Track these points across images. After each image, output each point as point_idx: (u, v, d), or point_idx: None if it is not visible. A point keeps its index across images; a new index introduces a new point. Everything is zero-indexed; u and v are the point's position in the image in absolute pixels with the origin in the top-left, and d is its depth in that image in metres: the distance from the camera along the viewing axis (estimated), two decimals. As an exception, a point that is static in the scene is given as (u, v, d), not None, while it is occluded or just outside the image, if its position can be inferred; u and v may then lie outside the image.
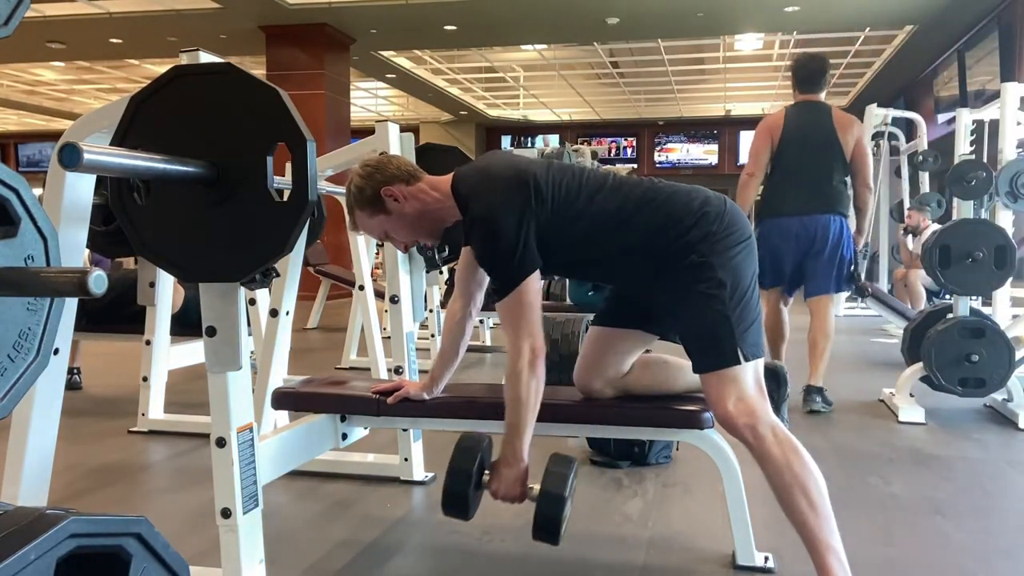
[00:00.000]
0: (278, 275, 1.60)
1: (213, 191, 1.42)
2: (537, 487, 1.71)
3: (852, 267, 3.68)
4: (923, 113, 8.83)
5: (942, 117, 10.25)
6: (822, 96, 3.78)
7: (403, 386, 2.10)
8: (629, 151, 17.11)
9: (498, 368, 4.90)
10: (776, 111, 3.99)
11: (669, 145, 16.99)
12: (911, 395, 3.70)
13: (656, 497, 2.54)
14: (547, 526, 1.68)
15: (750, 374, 1.70)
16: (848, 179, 3.70)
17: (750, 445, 1.69)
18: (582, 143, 13.34)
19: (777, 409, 1.90)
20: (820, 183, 3.64)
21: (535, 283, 1.73)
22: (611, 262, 1.84)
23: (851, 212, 3.80)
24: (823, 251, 3.65)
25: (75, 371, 4.30)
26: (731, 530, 1.99)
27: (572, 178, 1.79)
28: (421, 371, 2.52)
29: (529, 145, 16.41)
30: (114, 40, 10.21)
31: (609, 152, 16.84)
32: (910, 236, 7.20)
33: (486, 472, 1.78)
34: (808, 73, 3.75)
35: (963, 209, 3.78)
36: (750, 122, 16.23)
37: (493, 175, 1.77)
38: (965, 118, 4.40)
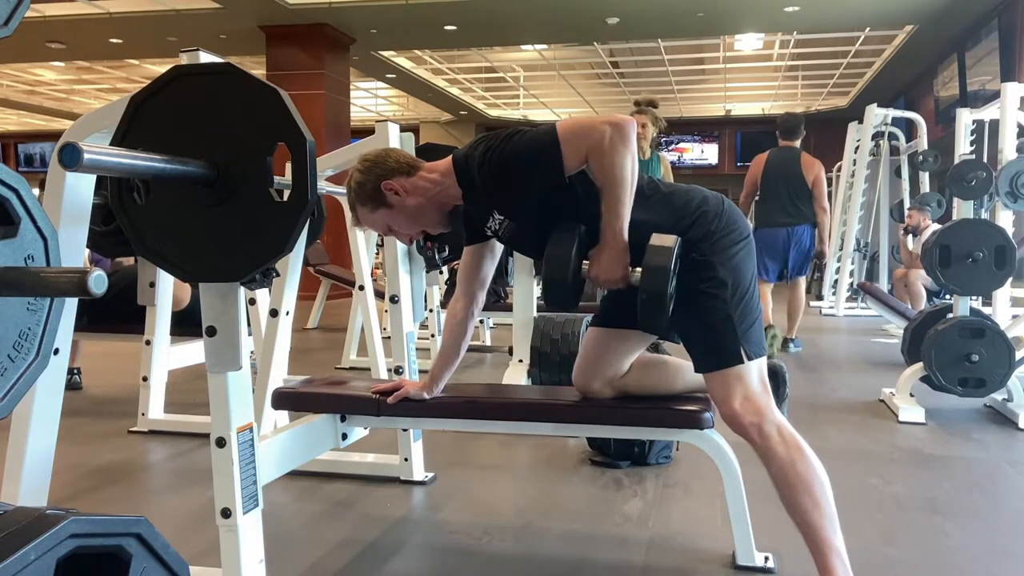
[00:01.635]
0: (278, 275, 1.60)
1: (213, 191, 1.42)
2: (639, 271, 1.65)
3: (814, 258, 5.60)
4: (923, 113, 8.84)
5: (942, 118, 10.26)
6: (797, 143, 5.43)
7: (403, 386, 2.10)
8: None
9: (498, 368, 4.90)
10: (762, 154, 5.54)
11: (682, 145, 16.97)
12: (911, 395, 3.70)
13: (656, 497, 2.54)
14: (653, 303, 1.60)
15: (754, 373, 1.70)
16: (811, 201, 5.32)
17: (755, 444, 1.69)
18: None
19: (778, 407, 1.90)
20: (796, 204, 5.28)
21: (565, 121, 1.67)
22: None
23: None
24: (802, 248, 5.34)
25: (75, 371, 4.30)
26: (731, 530, 1.99)
27: (573, 176, 1.78)
28: (421, 371, 2.52)
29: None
30: (114, 40, 10.21)
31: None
32: (910, 236, 7.21)
33: (585, 262, 1.72)
34: (788, 127, 5.46)
35: (963, 209, 3.78)
36: (750, 122, 16.34)
37: (500, 134, 1.75)
38: (965, 118, 4.40)
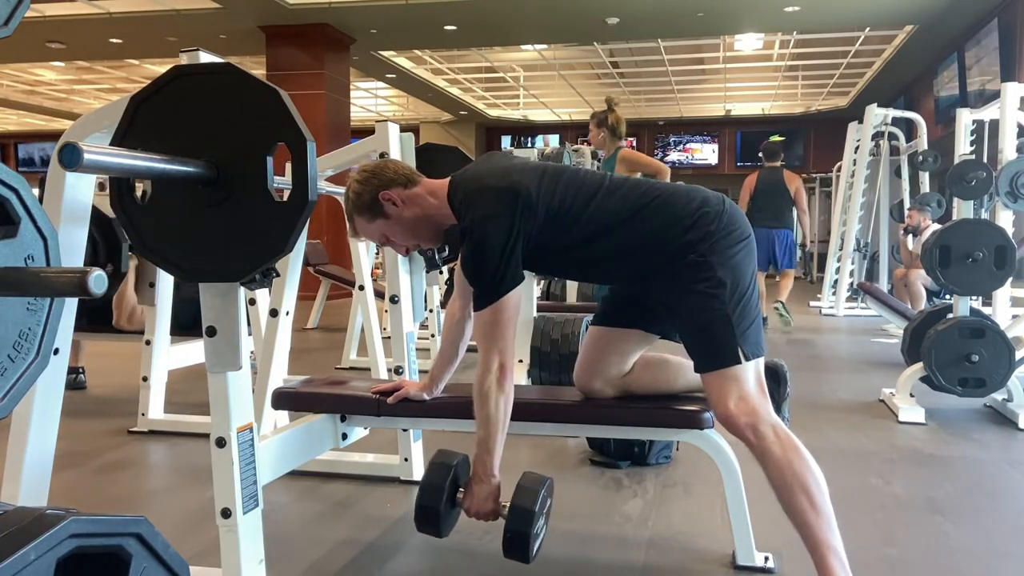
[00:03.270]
0: (278, 275, 1.60)
1: (213, 191, 1.42)
2: (508, 505, 1.70)
3: (797, 254, 7.36)
4: (923, 113, 8.83)
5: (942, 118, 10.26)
6: (779, 164, 7.09)
7: (403, 386, 2.10)
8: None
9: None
10: (753, 173, 7.17)
11: (691, 145, 16.96)
12: (911, 395, 3.70)
13: (656, 497, 2.54)
14: (516, 542, 1.66)
15: (751, 373, 1.70)
16: (794, 208, 6.96)
17: (751, 444, 1.69)
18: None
19: (778, 408, 1.90)
20: (782, 211, 6.89)
21: (514, 300, 1.73)
22: (610, 263, 1.83)
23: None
24: (785, 247, 6.90)
25: (79, 371, 4.30)
26: (731, 530, 1.99)
27: (567, 184, 1.78)
28: (421, 371, 2.52)
29: (529, 145, 16.38)
30: (114, 40, 10.20)
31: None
32: (910, 236, 7.20)
33: (461, 490, 1.77)
34: (770, 152, 7.12)
35: (963, 209, 3.78)
36: (750, 122, 16.34)
37: (485, 187, 1.76)
38: (965, 118, 4.40)
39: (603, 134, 4.53)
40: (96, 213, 2.01)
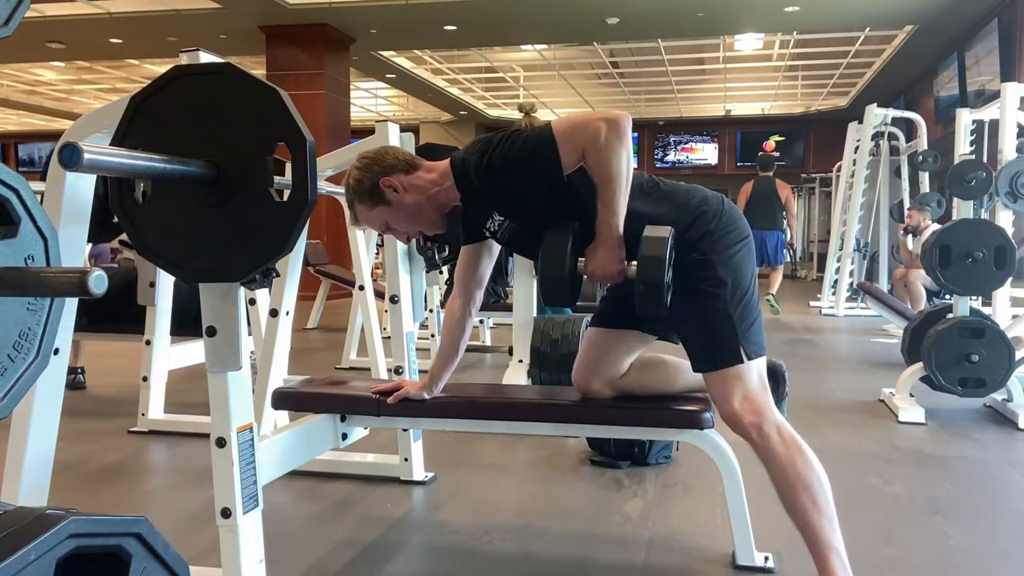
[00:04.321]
0: (278, 275, 1.60)
1: (213, 191, 1.41)
2: (634, 264, 1.65)
3: (785, 252, 8.41)
4: (923, 113, 8.83)
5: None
6: (771, 174, 8.00)
7: (403, 386, 2.10)
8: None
9: (498, 368, 4.90)
10: (749, 182, 8.10)
11: (691, 145, 16.95)
12: (911, 395, 3.70)
13: (656, 497, 2.54)
14: (651, 292, 1.60)
15: (754, 372, 1.70)
16: (783, 213, 7.98)
17: (755, 443, 1.69)
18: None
19: (778, 407, 1.90)
20: (773, 215, 7.85)
21: (561, 120, 1.68)
22: None
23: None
24: (776, 246, 7.87)
25: (79, 371, 4.30)
26: (731, 530, 1.99)
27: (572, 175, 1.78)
28: (421, 371, 2.52)
29: None
30: (114, 40, 10.20)
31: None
32: (910, 236, 7.20)
33: (581, 259, 1.72)
34: (765, 163, 8.12)
35: (963, 209, 3.78)
36: (750, 122, 16.32)
37: (504, 135, 1.75)
38: (965, 118, 4.40)
39: None
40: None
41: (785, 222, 8.14)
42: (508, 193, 1.75)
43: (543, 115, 16.15)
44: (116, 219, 3.58)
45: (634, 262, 1.65)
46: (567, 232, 1.69)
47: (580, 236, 1.71)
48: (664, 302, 1.62)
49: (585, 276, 1.73)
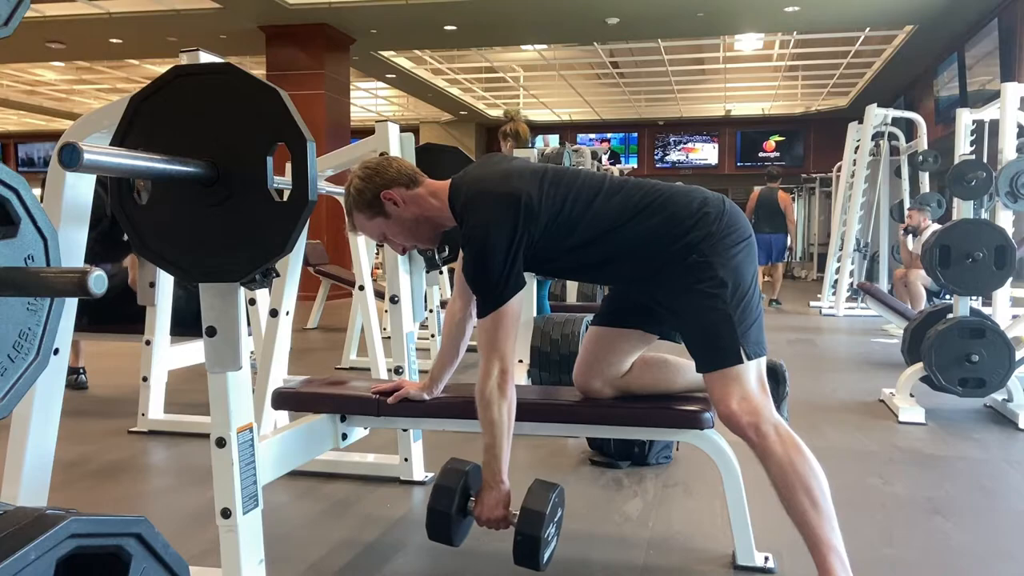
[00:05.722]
0: (278, 275, 1.60)
1: (213, 191, 1.41)
2: (517, 514, 1.70)
3: (786, 252, 9.33)
4: (923, 113, 8.83)
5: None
6: (776, 184, 9.16)
7: (403, 386, 2.10)
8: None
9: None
10: (756, 190, 9.45)
11: (691, 145, 16.95)
12: (911, 395, 3.70)
13: (656, 497, 2.54)
14: (526, 547, 1.65)
15: (753, 373, 1.70)
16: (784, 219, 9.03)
17: (753, 443, 1.69)
18: (602, 143, 14.90)
19: (777, 407, 1.90)
20: (775, 221, 8.92)
21: (515, 306, 1.74)
22: (612, 264, 1.83)
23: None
24: (779, 246, 8.96)
25: (80, 371, 4.30)
26: (731, 530, 1.99)
27: (568, 187, 1.78)
28: (421, 371, 2.52)
29: (529, 145, 16.35)
30: (114, 40, 10.20)
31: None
32: (910, 236, 7.20)
33: (472, 499, 1.77)
34: (771, 175, 9.29)
35: (963, 209, 3.78)
36: (750, 122, 16.33)
37: (487, 191, 1.76)
38: (965, 118, 4.40)
39: (510, 143, 4.69)
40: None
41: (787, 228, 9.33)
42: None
43: (543, 115, 16.20)
44: (125, 238, 3.57)
45: (516, 512, 1.70)
46: (460, 474, 1.76)
47: (475, 476, 1.79)
48: (539, 559, 1.66)
49: (472, 517, 1.78)
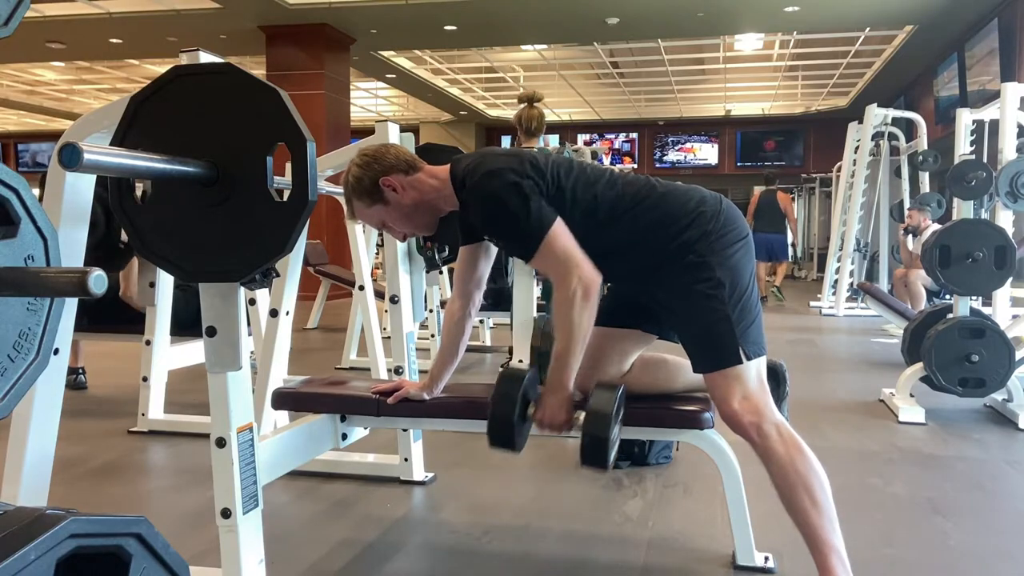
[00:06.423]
0: (278, 275, 1.60)
1: (213, 191, 1.41)
2: (583, 415, 1.68)
3: (789, 249, 9.94)
4: (923, 113, 8.83)
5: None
6: (775, 186, 9.64)
7: (403, 386, 2.10)
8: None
9: (498, 369, 4.90)
10: (757, 192, 9.91)
11: (691, 145, 16.96)
12: (911, 395, 3.70)
13: (656, 497, 2.54)
14: (594, 447, 1.63)
15: (753, 372, 1.70)
16: (786, 220, 9.49)
17: (754, 443, 1.69)
18: (602, 143, 15.23)
19: (778, 407, 1.90)
20: (776, 221, 9.35)
21: (561, 228, 1.69)
22: (610, 258, 1.82)
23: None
24: (781, 245, 9.43)
25: (80, 371, 4.30)
26: (731, 530, 1.99)
27: (570, 168, 1.80)
28: (421, 371, 2.52)
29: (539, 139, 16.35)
30: (114, 40, 10.20)
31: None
32: (910, 236, 7.20)
33: (531, 405, 1.75)
34: (770, 179, 9.84)
35: (963, 209, 3.78)
36: (750, 122, 16.32)
37: (490, 153, 1.80)
38: (965, 118, 4.40)
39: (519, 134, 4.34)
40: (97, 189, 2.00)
41: (788, 227, 9.74)
42: (487, 230, 1.84)
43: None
44: (122, 246, 3.57)
45: (582, 413, 1.69)
46: (521, 375, 1.74)
47: (534, 380, 1.77)
48: (607, 459, 1.66)
49: (534, 423, 1.76)
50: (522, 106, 4.07)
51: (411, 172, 1.83)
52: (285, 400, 2.24)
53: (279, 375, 2.78)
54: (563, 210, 1.73)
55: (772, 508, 1.78)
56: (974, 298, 4.10)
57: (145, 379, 3.42)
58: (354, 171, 1.83)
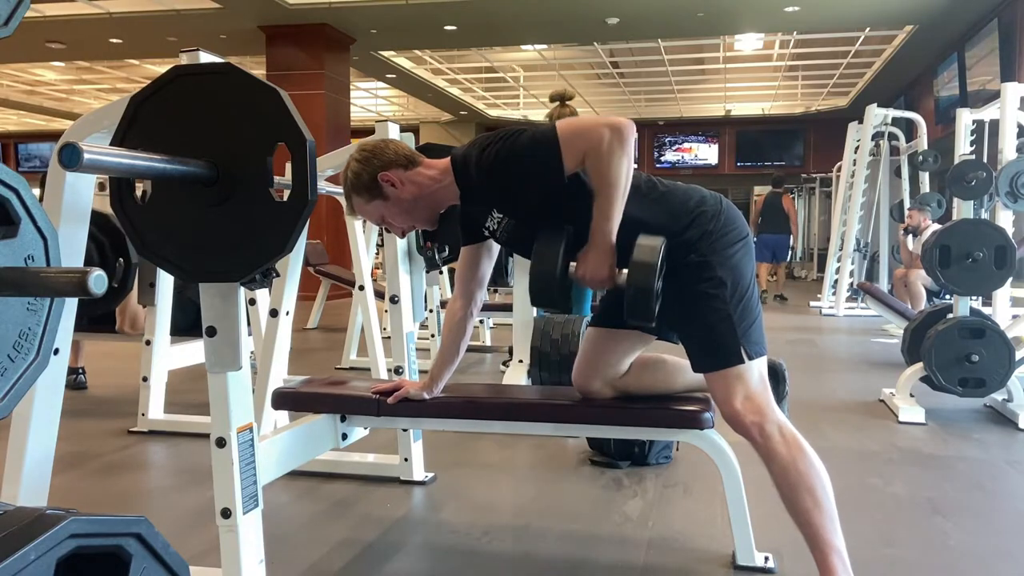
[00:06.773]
0: (278, 275, 1.60)
1: (213, 191, 1.41)
2: (625, 271, 1.65)
3: (789, 251, 10.20)
4: (923, 113, 8.83)
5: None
6: (781, 190, 9.77)
7: (403, 386, 2.10)
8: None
9: (498, 368, 4.90)
10: (762, 195, 10.45)
11: (690, 145, 16.97)
12: (911, 395, 3.70)
13: (656, 497, 2.54)
14: (640, 298, 1.61)
15: (755, 372, 1.70)
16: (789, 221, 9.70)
17: (756, 443, 1.69)
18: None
19: (778, 406, 1.90)
20: (779, 223, 9.52)
21: (567, 120, 1.70)
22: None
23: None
24: (783, 246, 9.67)
25: (80, 371, 4.30)
26: (731, 530, 1.99)
27: None
28: (421, 371, 2.52)
29: None
30: (114, 40, 10.20)
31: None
32: (910, 236, 7.20)
33: (572, 263, 1.72)
34: (777, 181, 9.90)
35: (963, 209, 3.78)
36: (750, 122, 16.32)
37: (492, 133, 1.77)
38: (965, 118, 4.40)
39: None
40: (98, 217, 2.00)
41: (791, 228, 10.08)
42: (507, 190, 1.74)
43: (543, 115, 16.17)
44: (115, 286, 3.55)
45: (625, 269, 1.66)
46: (560, 234, 1.70)
47: (574, 239, 1.71)
48: (652, 310, 1.62)
49: (575, 280, 1.73)
50: (554, 105, 4.01)
51: (410, 167, 1.82)
52: (285, 400, 2.24)
53: (279, 375, 2.78)
54: (579, 195, 1.70)
55: (772, 508, 1.78)
56: (974, 298, 4.11)
57: (145, 379, 3.42)
58: (353, 167, 1.82)
